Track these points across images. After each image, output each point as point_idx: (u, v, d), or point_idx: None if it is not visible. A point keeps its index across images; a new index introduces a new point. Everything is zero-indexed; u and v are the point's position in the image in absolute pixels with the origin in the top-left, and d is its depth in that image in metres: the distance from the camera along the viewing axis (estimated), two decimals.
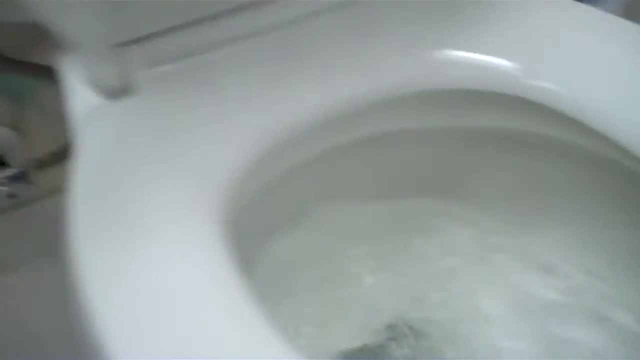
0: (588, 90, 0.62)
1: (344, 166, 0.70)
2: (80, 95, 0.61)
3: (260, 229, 0.65)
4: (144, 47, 0.58)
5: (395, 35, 0.65)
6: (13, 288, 1.02)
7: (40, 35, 0.86)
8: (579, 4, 0.69)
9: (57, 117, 0.92)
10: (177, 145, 0.54)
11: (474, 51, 0.64)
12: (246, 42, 0.61)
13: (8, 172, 0.89)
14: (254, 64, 0.60)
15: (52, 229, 1.01)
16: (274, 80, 0.60)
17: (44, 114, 0.93)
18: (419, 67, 0.64)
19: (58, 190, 0.97)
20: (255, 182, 0.58)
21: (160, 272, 0.47)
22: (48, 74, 0.81)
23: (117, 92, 0.56)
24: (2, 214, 0.98)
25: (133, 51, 0.58)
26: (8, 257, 1.01)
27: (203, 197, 0.51)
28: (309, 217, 0.71)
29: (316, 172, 0.67)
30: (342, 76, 0.62)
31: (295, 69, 0.61)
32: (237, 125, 0.56)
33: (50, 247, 1.03)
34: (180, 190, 0.51)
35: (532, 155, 0.72)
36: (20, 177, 0.89)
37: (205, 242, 0.49)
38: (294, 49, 0.63)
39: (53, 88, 0.89)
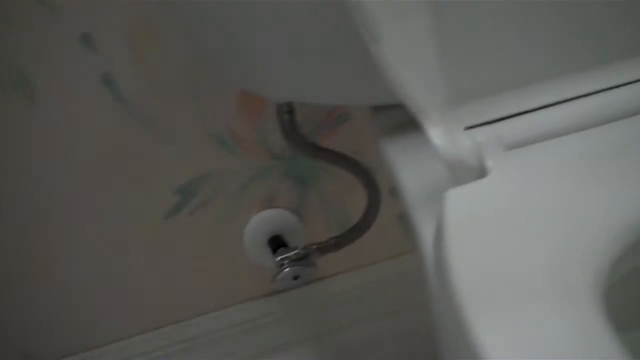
0: None
1: None
2: (414, 179, 0.66)
3: None
4: (495, 130, 0.61)
5: None
6: None
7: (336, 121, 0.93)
8: None
9: (332, 205, 1.02)
10: (537, 223, 0.56)
11: None
12: (597, 129, 0.61)
13: (295, 253, 0.97)
14: (604, 153, 0.60)
15: (322, 313, 1.08)
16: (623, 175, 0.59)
17: (322, 201, 1.01)
18: None
19: (335, 274, 1.06)
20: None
21: (545, 333, 0.50)
22: (340, 162, 0.92)
23: (470, 175, 0.59)
24: (283, 292, 1.06)
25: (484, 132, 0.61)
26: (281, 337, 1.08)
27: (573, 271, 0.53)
28: None
29: None
30: None
31: None
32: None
33: (317, 330, 1.08)
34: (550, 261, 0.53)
35: None
36: (304, 259, 0.97)
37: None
38: None
39: (336, 177, 0.99)
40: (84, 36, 0.85)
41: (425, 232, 0.61)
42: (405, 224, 1.06)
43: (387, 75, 0.59)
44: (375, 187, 0.93)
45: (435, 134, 0.59)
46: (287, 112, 0.83)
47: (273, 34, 0.67)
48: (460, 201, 0.57)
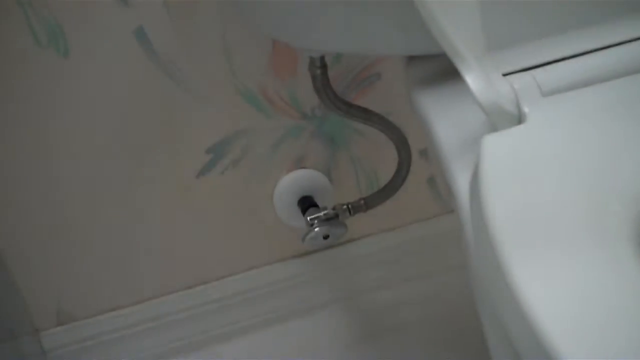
0: None
1: None
2: (448, 128, 0.66)
3: None
4: (532, 76, 0.61)
5: None
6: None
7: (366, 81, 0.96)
8: None
9: (362, 166, 1.02)
10: (574, 167, 0.56)
11: None
12: (635, 77, 0.61)
13: (325, 213, 0.97)
14: None
15: (352, 275, 1.10)
16: None
17: (352, 161, 1.02)
18: None
19: (364, 236, 1.07)
20: None
21: (581, 277, 0.50)
22: (371, 119, 0.92)
23: (507, 121, 0.59)
24: (313, 254, 1.07)
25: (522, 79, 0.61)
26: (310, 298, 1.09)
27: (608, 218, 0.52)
28: None
29: None
30: None
31: None
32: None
33: (347, 292, 1.11)
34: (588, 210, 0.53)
35: None
36: (334, 219, 0.97)
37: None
38: None
39: (366, 138, 1.00)
40: None
41: (462, 181, 0.61)
42: (434, 186, 1.07)
43: (426, 21, 0.58)
44: (406, 146, 0.93)
45: (473, 79, 0.59)
46: (320, 67, 0.83)
47: None
48: (497, 146, 0.57)
